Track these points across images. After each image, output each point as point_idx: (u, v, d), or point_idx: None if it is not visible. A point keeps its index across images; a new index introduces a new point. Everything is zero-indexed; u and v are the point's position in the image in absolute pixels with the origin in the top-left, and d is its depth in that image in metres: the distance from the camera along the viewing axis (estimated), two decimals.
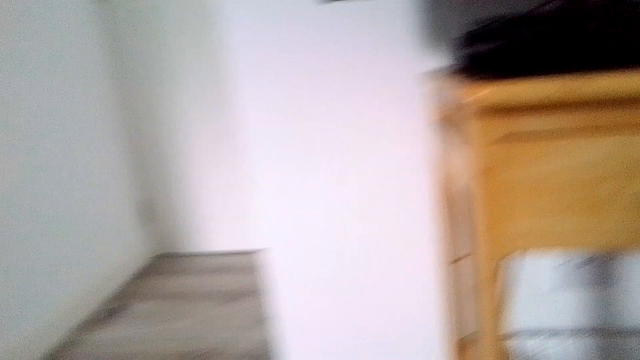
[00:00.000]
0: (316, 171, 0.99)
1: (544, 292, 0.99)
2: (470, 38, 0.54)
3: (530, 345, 1.01)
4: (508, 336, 0.56)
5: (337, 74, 0.93)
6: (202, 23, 2.02)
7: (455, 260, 0.90)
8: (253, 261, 2.23)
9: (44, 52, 1.68)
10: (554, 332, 1.01)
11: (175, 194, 2.27)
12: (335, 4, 0.86)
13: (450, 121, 0.77)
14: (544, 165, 0.49)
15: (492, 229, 0.51)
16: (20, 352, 1.49)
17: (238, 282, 2.03)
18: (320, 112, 0.96)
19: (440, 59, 0.89)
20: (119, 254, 2.08)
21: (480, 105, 0.46)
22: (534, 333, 1.01)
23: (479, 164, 0.49)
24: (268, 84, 0.95)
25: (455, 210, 0.88)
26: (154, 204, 2.31)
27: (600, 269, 0.97)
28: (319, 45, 0.92)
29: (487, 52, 0.51)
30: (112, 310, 1.86)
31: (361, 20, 0.89)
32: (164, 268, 2.24)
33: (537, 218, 0.51)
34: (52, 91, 1.71)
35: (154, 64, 2.10)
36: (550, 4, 0.72)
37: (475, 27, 0.68)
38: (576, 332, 1.01)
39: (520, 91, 0.44)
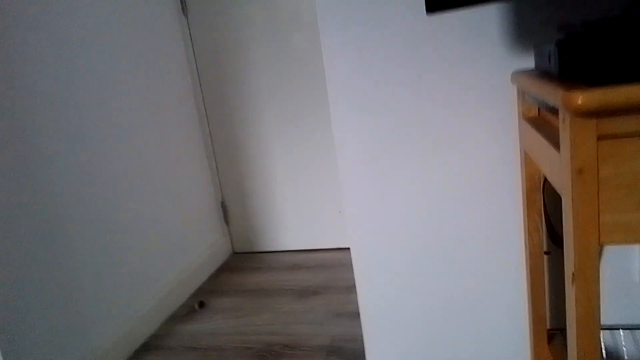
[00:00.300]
0: (401, 169, 1.03)
1: (633, 286, 0.97)
2: (563, 43, 0.57)
3: (617, 338, 1.00)
4: (599, 328, 0.57)
5: (427, 74, 0.97)
6: (280, 31, 2.11)
7: (544, 253, 0.91)
8: (326, 259, 2.29)
9: (141, 63, 1.83)
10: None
11: (252, 194, 2.39)
12: (440, 14, 0.90)
13: (538, 120, 0.79)
14: (636, 165, 0.51)
15: (586, 224, 0.54)
16: (119, 343, 1.63)
17: (312, 279, 2.11)
18: (409, 111, 1.00)
19: (528, 60, 0.91)
20: (201, 252, 2.22)
21: (576, 109, 0.48)
22: (623, 327, 0.99)
23: (573, 163, 0.52)
24: (358, 86, 1.00)
25: (540, 205, 0.90)
26: (231, 204, 2.43)
27: None
28: (409, 47, 0.97)
29: (582, 57, 0.53)
30: (196, 304, 1.99)
31: (454, 26, 0.93)
32: (240, 265, 2.36)
33: (629, 213, 0.52)
34: (145, 97, 1.86)
35: (236, 74, 2.22)
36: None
37: (566, 32, 0.69)
38: None
39: (619, 96, 0.47)
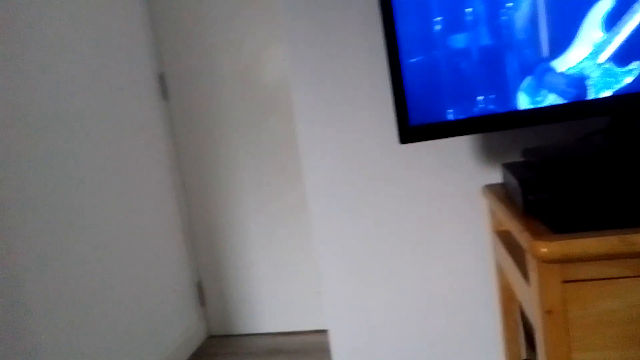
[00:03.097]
0: (380, 263, 1.05)
1: None
2: (526, 184, 0.61)
3: None
4: None
5: (402, 181, 1.01)
6: (258, 116, 2.18)
7: None
8: (306, 343, 2.24)
9: (119, 144, 1.85)
10: None
11: (229, 275, 2.36)
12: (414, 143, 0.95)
13: (508, 235, 0.83)
14: (600, 306, 0.53)
15: None
16: None
17: None
18: (386, 213, 1.03)
19: (498, 173, 0.96)
20: (175, 338, 2.14)
21: (541, 257, 0.51)
22: None
23: (542, 304, 0.54)
24: (337, 186, 1.04)
25: (517, 315, 0.91)
26: (208, 285, 2.39)
27: None
28: (385, 153, 1.01)
29: (544, 201, 0.57)
30: None
31: (429, 146, 0.98)
32: (217, 351, 2.28)
33: (596, 352, 0.54)
34: (121, 177, 1.86)
35: (215, 157, 2.26)
36: (597, 135, 0.78)
37: (527, 161, 0.74)
38: None
39: (578, 248, 0.50)
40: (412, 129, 0.74)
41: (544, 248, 0.51)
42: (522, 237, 0.56)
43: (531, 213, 0.61)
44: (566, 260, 0.52)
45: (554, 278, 0.53)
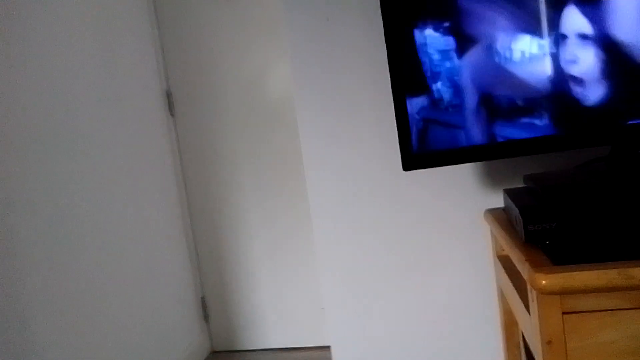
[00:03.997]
0: (383, 281, 1.05)
1: None
2: (527, 213, 0.62)
3: None
4: None
5: (406, 201, 1.02)
6: (264, 130, 2.21)
7: None
8: (309, 358, 2.23)
9: (126, 159, 1.88)
10: None
11: (234, 290, 2.36)
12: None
13: (509, 261, 0.83)
14: (600, 337, 0.54)
15: None
16: None
17: None
18: (389, 231, 1.04)
19: (499, 200, 0.97)
20: (177, 352, 2.14)
21: (541, 289, 0.52)
22: None
23: (542, 334, 0.55)
24: (339, 202, 1.05)
25: (519, 339, 0.92)
26: (212, 300, 2.40)
27: None
28: (388, 171, 1.03)
29: (544, 231, 0.58)
30: None
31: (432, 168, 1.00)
32: None
33: None
34: (127, 189, 1.88)
35: (220, 171, 2.28)
36: (598, 162, 0.80)
37: (528, 188, 0.75)
38: None
39: (578, 281, 0.51)
40: (415, 156, 0.76)
41: (544, 280, 0.52)
42: (523, 268, 0.57)
43: (531, 242, 0.62)
44: (566, 292, 0.53)
45: (554, 309, 0.54)
